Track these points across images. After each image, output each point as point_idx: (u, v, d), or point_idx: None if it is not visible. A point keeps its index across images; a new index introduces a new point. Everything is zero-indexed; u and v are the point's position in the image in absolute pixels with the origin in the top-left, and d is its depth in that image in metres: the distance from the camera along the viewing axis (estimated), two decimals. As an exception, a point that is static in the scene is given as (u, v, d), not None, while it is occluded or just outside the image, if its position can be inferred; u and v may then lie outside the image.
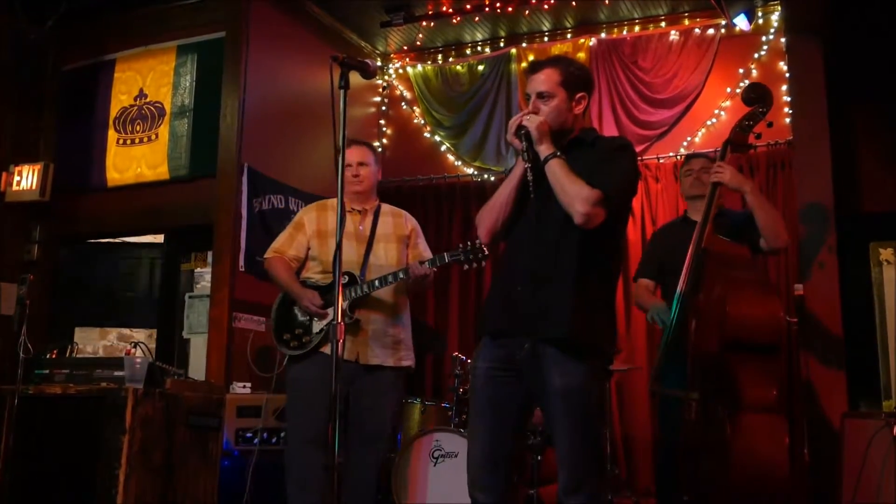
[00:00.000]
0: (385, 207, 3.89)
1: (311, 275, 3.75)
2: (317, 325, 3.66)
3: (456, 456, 4.23)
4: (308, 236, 3.78)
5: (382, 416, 3.65)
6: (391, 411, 3.71)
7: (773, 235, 3.57)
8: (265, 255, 3.86)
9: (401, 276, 3.57)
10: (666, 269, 3.79)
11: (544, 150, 2.58)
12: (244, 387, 4.77)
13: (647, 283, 3.91)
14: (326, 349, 3.60)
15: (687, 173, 3.95)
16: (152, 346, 5.05)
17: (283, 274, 3.73)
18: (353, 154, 3.77)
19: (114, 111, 5.85)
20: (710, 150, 5.48)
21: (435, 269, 3.65)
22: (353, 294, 3.59)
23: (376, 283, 3.58)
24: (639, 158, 5.83)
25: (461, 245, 3.56)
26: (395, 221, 3.86)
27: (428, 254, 3.83)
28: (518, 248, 2.66)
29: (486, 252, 3.50)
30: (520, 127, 2.60)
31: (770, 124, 3.68)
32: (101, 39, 5.98)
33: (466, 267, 3.56)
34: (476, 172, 6.48)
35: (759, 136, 3.70)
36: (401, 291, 3.75)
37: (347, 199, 3.82)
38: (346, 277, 3.62)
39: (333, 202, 3.87)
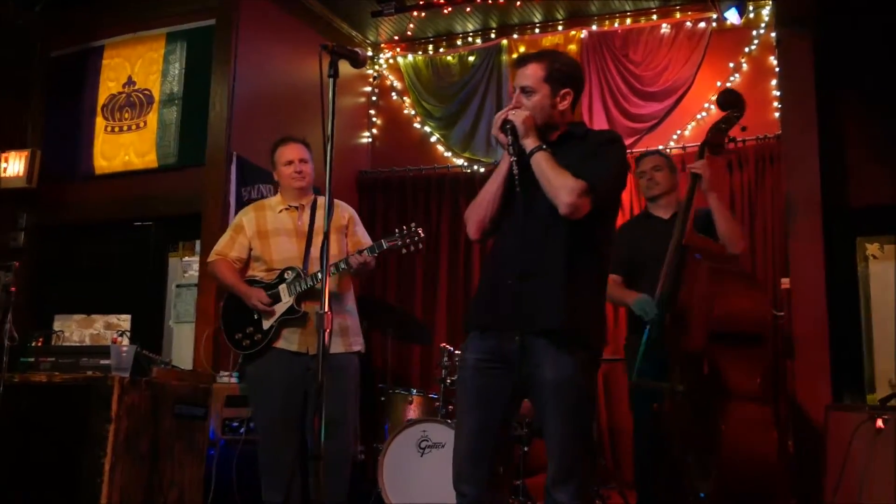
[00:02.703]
0: (321, 200, 3.88)
1: (256, 273, 3.77)
2: (266, 323, 3.67)
3: (443, 446, 4.23)
4: (249, 237, 3.80)
5: (340, 401, 3.61)
6: (349, 395, 3.70)
7: (732, 241, 3.69)
8: (208, 259, 3.90)
9: (342, 266, 3.61)
10: (634, 264, 3.82)
11: (530, 143, 2.58)
12: (231, 376, 4.76)
13: (616, 277, 3.91)
14: (279, 344, 3.64)
15: (640, 175, 4.02)
16: (135, 334, 5.00)
17: (228, 275, 3.77)
18: (295, 151, 3.81)
19: (102, 98, 5.82)
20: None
21: (375, 256, 3.67)
22: (298, 288, 3.62)
23: (319, 275, 3.58)
24: (628, 151, 5.86)
25: (397, 230, 3.62)
26: (334, 212, 3.86)
27: (366, 240, 3.85)
28: (507, 243, 2.65)
29: (422, 234, 3.58)
30: (505, 121, 2.59)
31: (744, 128, 3.82)
32: (90, 25, 5.94)
33: (405, 251, 3.61)
34: (466, 163, 6.48)
35: (732, 140, 3.82)
36: (343, 280, 3.76)
37: (286, 196, 3.84)
38: (291, 273, 3.66)
39: (270, 202, 3.91)
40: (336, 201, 3.90)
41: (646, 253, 3.74)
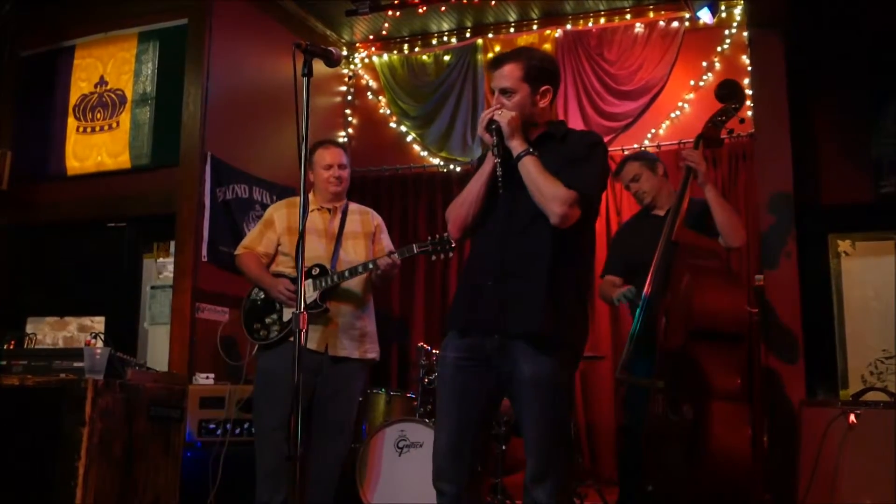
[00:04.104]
0: (353, 206, 3.98)
1: (283, 269, 3.82)
2: (287, 315, 3.73)
3: (421, 446, 4.23)
4: (278, 233, 3.85)
5: (346, 406, 3.73)
6: (354, 402, 3.80)
7: (730, 234, 3.63)
8: (236, 252, 3.95)
9: (370, 266, 3.67)
10: (633, 264, 3.82)
11: (516, 146, 2.58)
12: (207, 378, 4.73)
13: (613, 278, 3.92)
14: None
15: (626, 188, 4.01)
16: (109, 336, 4.97)
17: (254, 268, 3.82)
18: (335, 156, 3.86)
19: (73, 98, 5.75)
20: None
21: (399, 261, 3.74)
22: (323, 284, 3.67)
23: (346, 273, 3.67)
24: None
25: (429, 237, 3.69)
26: (363, 219, 3.96)
27: (390, 248, 3.93)
28: (488, 243, 2.65)
29: (453, 244, 3.64)
30: (491, 121, 2.59)
31: (742, 120, 3.79)
32: (61, 25, 5.87)
33: (434, 258, 3.71)
34: (442, 163, 6.48)
35: (731, 132, 3.77)
36: (368, 285, 3.84)
37: (320, 198, 3.88)
38: (318, 269, 3.71)
39: None
40: (367, 209, 4.05)
41: (643, 251, 3.71)
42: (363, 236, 3.89)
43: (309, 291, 3.68)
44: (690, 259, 3.49)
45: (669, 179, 4.02)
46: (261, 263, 3.84)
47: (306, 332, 2.40)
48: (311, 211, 3.86)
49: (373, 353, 3.84)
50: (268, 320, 3.78)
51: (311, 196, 3.93)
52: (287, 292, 3.68)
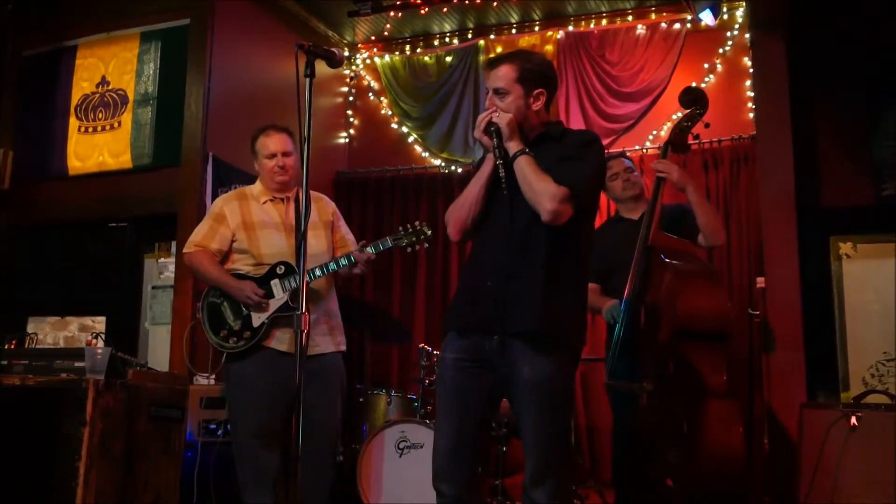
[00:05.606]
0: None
1: (241, 267, 3.57)
2: (256, 319, 3.48)
3: (421, 447, 4.23)
4: (232, 228, 3.58)
5: (330, 404, 3.53)
6: (338, 397, 3.59)
7: (712, 233, 3.65)
8: (185, 250, 3.66)
9: (343, 262, 3.45)
10: (608, 269, 3.82)
11: (513, 146, 2.59)
12: (208, 378, 4.73)
13: (593, 286, 3.89)
14: (270, 343, 3.47)
15: (613, 177, 3.93)
16: (110, 336, 4.98)
17: (212, 268, 3.55)
18: (276, 143, 3.58)
19: (75, 98, 5.76)
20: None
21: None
22: (292, 284, 3.46)
23: (317, 271, 3.45)
24: (605, 152, 5.88)
25: (401, 228, 3.47)
26: (318, 206, 3.68)
27: (350, 236, 3.74)
28: (487, 244, 2.66)
29: (428, 233, 3.43)
30: (489, 124, 2.60)
31: (707, 125, 3.74)
32: (63, 25, 5.88)
33: (409, 250, 3.48)
34: (443, 164, 6.48)
35: (696, 137, 3.78)
36: (330, 278, 3.62)
37: (270, 189, 3.65)
38: (283, 267, 3.49)
39: (252, 191, 3.70)
40: (320, 196, 3.76)
41: (618, 255, 3.73)
42: (322, 226, 3.64)
43: (278, 293, 3.46)
44: (670, 261, 3.50)
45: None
46: (217, 262, 3.57)
47: (307, 333, 2.38)
48: (264, 203, 3.62)
49: (343, 344, 3.64)
50: (235, 326, 3.50)
51: (259, 186, 3.69)
52: (255, 297, 3.43)
